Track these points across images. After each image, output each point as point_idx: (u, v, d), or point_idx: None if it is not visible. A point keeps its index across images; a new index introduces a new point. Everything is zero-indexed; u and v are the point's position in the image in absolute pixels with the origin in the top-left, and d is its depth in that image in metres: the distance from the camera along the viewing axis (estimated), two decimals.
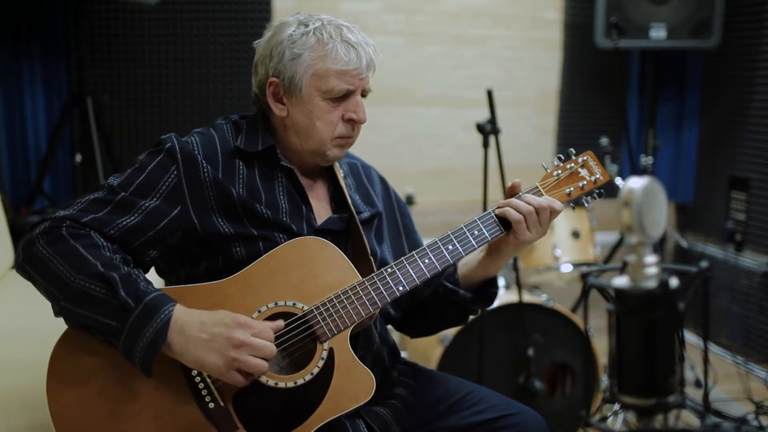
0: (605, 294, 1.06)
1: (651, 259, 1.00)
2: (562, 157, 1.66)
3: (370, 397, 1.50)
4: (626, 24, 3.50)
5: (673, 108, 4.16)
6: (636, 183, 0.99)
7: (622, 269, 1.04)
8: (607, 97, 4.07)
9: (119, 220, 1.49)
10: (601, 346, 2.61)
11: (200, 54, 3.56)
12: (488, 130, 2.65)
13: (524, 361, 2.73)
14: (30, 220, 2.89)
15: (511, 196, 1.61)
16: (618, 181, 3.18)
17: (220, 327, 1.41)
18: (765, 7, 3.58)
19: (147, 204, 1.51)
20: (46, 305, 1.46)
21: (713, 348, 3.75)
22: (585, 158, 1.65)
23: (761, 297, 3.54)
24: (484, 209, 2.71)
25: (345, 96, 1.59)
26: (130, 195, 1.51)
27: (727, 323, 3.72)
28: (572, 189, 1.63)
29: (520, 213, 1.56)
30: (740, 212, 3.73)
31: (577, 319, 2.79)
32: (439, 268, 1.57)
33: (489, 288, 1.72)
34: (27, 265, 1.45)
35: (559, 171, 1.64)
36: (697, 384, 3.18)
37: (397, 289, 1.55)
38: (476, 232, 1.58)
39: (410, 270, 1.56)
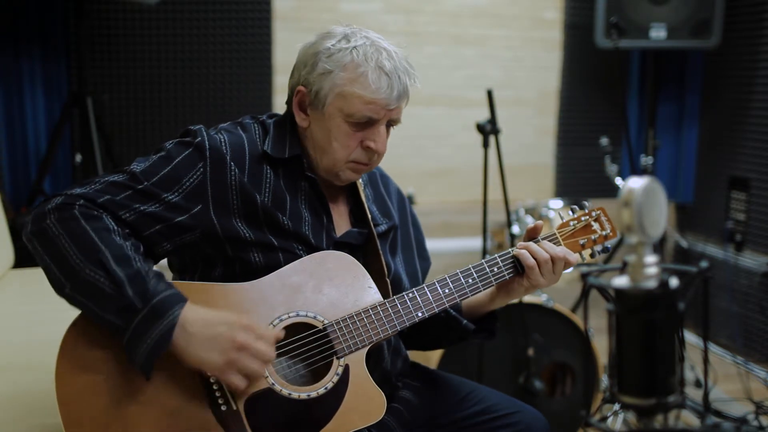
0: (605, 294, 1.06)
1: (651, 259, 1.00)
2: (576, 208, 1.71)
3: (379, 419, 1.49)
4: (626, 24, 3.50)
5: (673, 108, 4.15)
6: (636, 183, 0.98)
7: (622, 269, 1.03)
8: (607, 97, 4.07)
9: (136, 206, 1.45)
10: (601, 346, 2.61)
11: (200, 54, 3.56)
12: (488, 130, 2.65)
13: (524, 361, 2.73)
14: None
15: (531, 237, 1.64)
16: (618, 181, 3.18)
17: (223, 327, 1.38)
18: (765, 7, 3.58)
19: (168, 197, 1.47)
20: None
21: (713, 348, 3.75)
22: (598, 212, 1.72)
23: (761, 297, 3.54)
24: (484, 209, 2.72)
25: (368, 123, 1.54)
26: (153, 186, 1.47)
27: (727, 323, 3.72)
28: (585, 240, 1.68)
29: (536, 260, 1.58)
30: (740, 212, 3.73)
31: (577, 319, 2.79)
32: (458, 299, 1.58)
33: (491, 321, 1.73)
34: (34, 238, 1.41)
35: (575, 222, 1.69)
36: (697, 384, 3.18)
37: (416, 315, 1.55)
38: (495, 270, 1.61)
39: (430, 297, 1.57)
